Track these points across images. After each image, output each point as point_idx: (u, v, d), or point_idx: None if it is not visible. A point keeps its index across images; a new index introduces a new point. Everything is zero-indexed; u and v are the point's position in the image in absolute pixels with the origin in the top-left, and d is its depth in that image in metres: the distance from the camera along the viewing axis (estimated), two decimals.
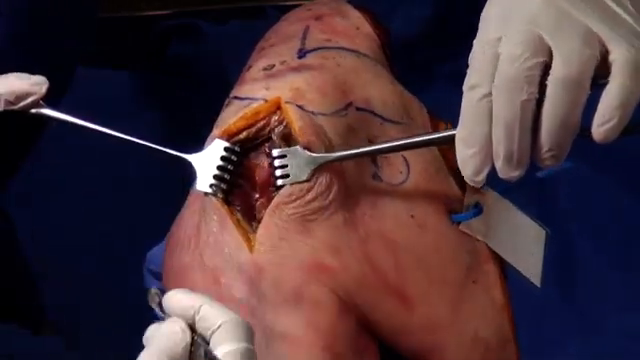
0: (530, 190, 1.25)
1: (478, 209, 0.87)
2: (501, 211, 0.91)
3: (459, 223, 0.86)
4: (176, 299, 0.70)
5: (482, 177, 0.77)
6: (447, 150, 0.88)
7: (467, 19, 1.25)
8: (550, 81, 0.73)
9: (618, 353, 1.15)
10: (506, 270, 0.91)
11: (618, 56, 0.73)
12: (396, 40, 1.03)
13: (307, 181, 0.80)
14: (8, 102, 0.83)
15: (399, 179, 0.86)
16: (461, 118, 0.77)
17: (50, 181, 1.29)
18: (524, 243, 0.92)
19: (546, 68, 0.73)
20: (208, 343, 0.67)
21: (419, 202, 0.85)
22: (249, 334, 0.68)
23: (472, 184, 0.78)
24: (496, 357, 0.90)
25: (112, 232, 1.29)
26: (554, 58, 0.73)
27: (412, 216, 0.85)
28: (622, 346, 1.15)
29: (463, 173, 0.78)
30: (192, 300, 0.69)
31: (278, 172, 0.81)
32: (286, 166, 0.81)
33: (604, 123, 0.73)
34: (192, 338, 0.67)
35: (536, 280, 0.92)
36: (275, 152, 0.82)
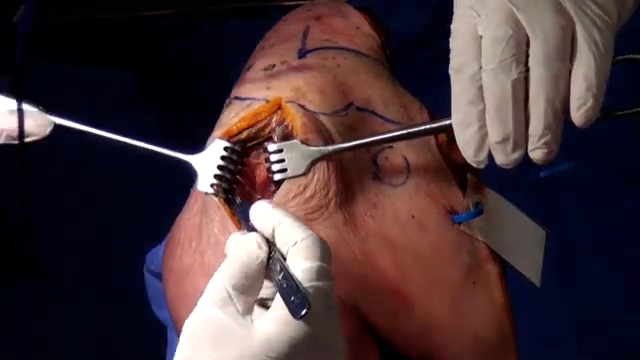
0: (530, 190, 1.25)
1: (478, 209, 0.87)
2: (501, 211, 0.90)
3: (459, 223, 0.86)
4: (259, 211, 0.72)
5: (484, 155, 0.76)
6: (448, 150, 0.89)
7: None
8: (531, 61, 0.73)
9: (618, 353, 1.15)
10: (506, 270, 0.91)
11: (582, 36, 0.72)
12: (396, 40, 1.03)
13: (304, 175, 0.80)
14: (9, 137, 0.84)
15: (400, 179, 0.85)
16: (453, 103, 0.76)
17: (50, 182, 1.29)
18: (524, 243, 0.92)
19: (527, 42, 0.73)
20: (285, 258, 0.68)
21: (419, 202, 0.85)
22: (325, 253, 0.68)
23: (475, 165, 0.77)
24: (496, 357, 0.89)
25: (112, 233, 1.29)
26: (531, 37, 0.73)
27: (412, 216, 0.85)
28: (622, 346, 1.15)
29: (465, 155, 0.77)
30: (274, 214, 0.70)
31: (275, 167, 0.81)
32: (283, 161, 0.81)
33: (580, 107, 0.73)
34: (270, 252, 0.69)
35: (536, 280, 0.92)
36: (271, 147, 0.81)
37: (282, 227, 0.70)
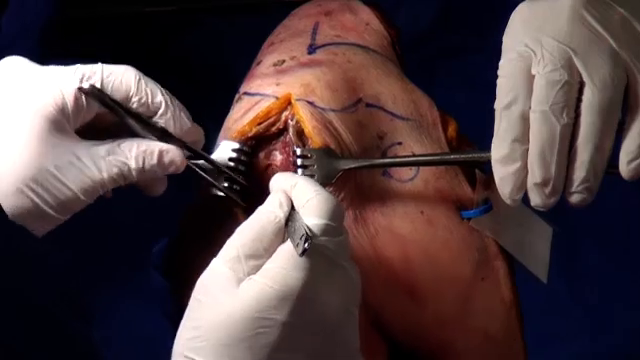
0: None
1: (488, 206, 0.87)
2: (510, 208, 0.90)
3: (469, 219, 0.86)
4: (278, 177, 0.74)
5: (520, 195, 0.76)
6: (457, 145, 0.89)
7: (471, 17, 1.25)
8: (584, 107, 0.72)
9: (624, 351, 1.15)
10: (514, 267, 0.91)
11: None
12: (401, 37, 1.02)
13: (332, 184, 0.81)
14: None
15: (409, 176, 0.86)
16: (497, 138, 0.75)
17: None
18: (532, 240, 0.92)
19: (580, 88, 0.73)
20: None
21: (428, 199, 0.85)
22: (333, 211, 0.69)
23: (510, 202, 0.77)
24: (503, 353, 0.90)
25: (114, 233, 1.28)
26: (587, 83, 0.72)
27: (421, 212, 0.85)
28: (628, 344, 1.15)
29: (501, 192, 0.77)
30: (291, 177, 0.73)
31: (300, 171, 0.81)
32: (307, 166, 0.81)
33: (632, 160, 0.73)
34: (290, 212, 0.70)
35: (543, 277, 0.92)
36: (298, 151, 0.82)
37: (296, 188, 0.71)
